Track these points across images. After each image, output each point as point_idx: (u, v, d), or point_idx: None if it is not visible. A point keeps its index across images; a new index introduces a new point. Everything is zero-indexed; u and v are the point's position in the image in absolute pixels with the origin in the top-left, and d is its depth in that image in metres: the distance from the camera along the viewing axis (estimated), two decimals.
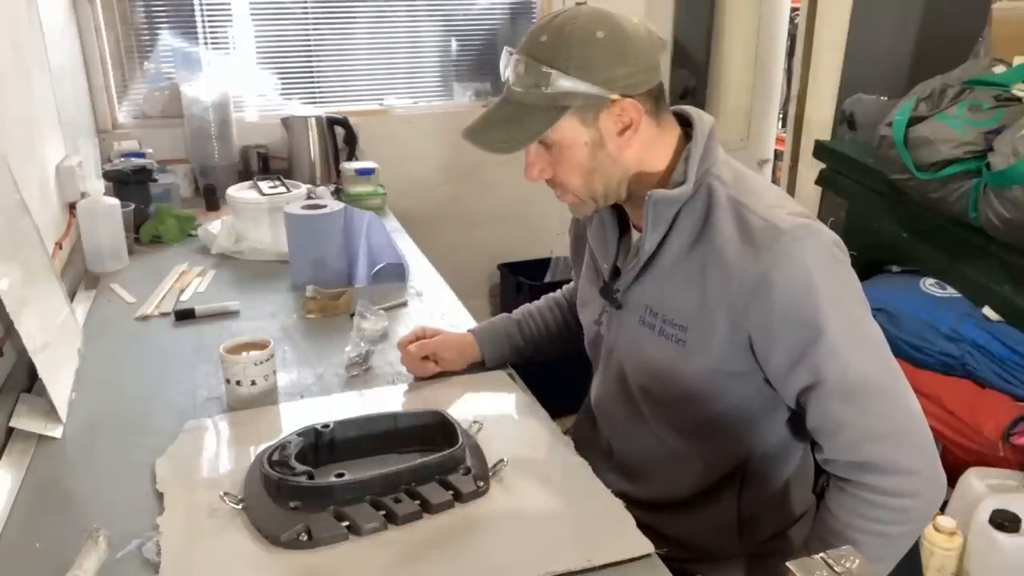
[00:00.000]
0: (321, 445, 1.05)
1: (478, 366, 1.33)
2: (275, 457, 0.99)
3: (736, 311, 0.94)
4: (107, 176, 2.07)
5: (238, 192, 1.96)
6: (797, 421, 1.05)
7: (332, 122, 2.62)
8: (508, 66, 0.99)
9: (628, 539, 0.90)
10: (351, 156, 2.66)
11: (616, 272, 1.11)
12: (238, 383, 1.20)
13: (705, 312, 0.97)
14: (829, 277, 0.92)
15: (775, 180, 3.38)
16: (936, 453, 0.94)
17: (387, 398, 1.25)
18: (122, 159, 2.18)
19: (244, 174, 2.52)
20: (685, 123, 1.05)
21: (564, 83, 0.94)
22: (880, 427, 0.91)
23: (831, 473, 0.97)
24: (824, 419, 0.93)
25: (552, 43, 0.95)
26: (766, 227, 0.93)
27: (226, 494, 0.95)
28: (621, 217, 1.11)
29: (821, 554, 0.58)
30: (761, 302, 0.92)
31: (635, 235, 1.09)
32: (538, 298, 1.43)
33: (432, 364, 1.29)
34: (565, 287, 1.41)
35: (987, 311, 1.77)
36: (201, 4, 2.61)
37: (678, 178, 1.00)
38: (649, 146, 1.01)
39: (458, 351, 1.31)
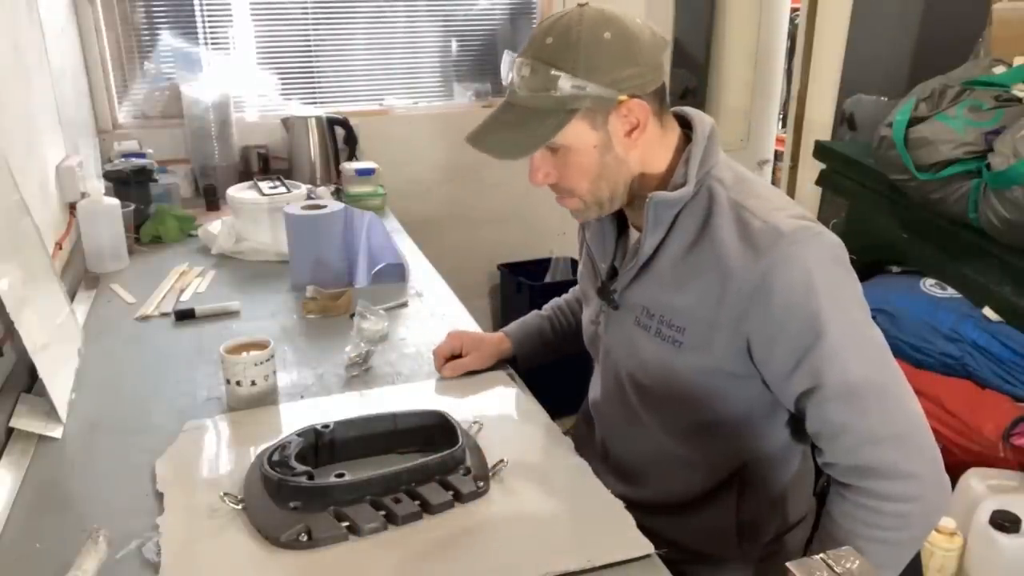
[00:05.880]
0: (321, 445, 1.05)
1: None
2: (275, 457, 0.99)
3: (736, 314, 0.94)
4: (107, 176, 2.07)
5: (238, 192, 1.96)
6: (797, 425, 1.05)
7: (332, 122, 2.62)
8: (512, 70, 0.98)
9: (628, 539, 0.90)
10: (351, 156, 2.66)
11: (613, 272, 1.11)
12: (238, 383, 1.20)
13: (704, 313, 0.97)
14: (829, 280, 0.91)
15: (775, 181, 3.39)
16: (939, 457, 0.93)
17: (387, 398, 1.25)
18: (122, 159, 2.18)
19: (244, 174, 2.52)
20: (685, 124, 1.05)
21: (573, 85, 0.93)
22: (880, 430, 0.91)
23: (832, 477, 0.97)
24: (824, 423, 0.93)
25: (559, 45, 0.94)
26: (766, 229, 0.92)
27: (226, 494, 0.95)
28: (619, 217, 1.11)
29: (821, 555, 0.58)
30: (761, 305, 0.92)
31: (633, 235, 1.09)
32: (538, 299, 1.44)
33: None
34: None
35: (987, 311, 1.77)
36: (201, 4, 2.61)
37: (679, 180, 0.99)
38: (653, 146, 1.01)
39: (495, 357, 1.34)
